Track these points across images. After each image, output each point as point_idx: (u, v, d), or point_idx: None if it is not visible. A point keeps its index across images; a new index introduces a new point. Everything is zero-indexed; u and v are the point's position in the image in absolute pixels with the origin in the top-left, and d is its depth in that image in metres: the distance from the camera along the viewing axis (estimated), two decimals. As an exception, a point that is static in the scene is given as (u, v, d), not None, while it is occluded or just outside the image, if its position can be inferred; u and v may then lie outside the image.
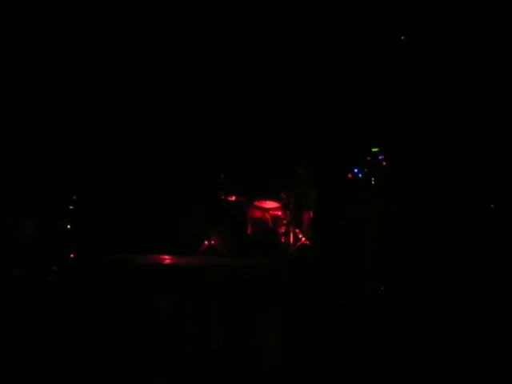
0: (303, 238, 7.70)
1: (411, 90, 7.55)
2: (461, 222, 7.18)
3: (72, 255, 7.12)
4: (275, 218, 7.89)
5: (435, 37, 7.41)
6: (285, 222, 7.82)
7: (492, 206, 7.25)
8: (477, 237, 6.89)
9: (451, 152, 7.59)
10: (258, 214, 7.91)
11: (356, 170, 7.83)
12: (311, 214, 7.87)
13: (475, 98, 7.42)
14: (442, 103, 7.48)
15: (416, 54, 7.56)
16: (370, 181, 7.49)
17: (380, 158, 7.63)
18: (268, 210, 7.93)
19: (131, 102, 7.93)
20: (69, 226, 7.37)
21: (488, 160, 7.44)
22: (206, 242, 7.74)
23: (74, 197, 7.43)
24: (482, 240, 6.80)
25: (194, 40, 7.78)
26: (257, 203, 7.99)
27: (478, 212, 7.26)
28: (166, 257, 7.31)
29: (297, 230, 7.74)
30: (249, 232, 7.73)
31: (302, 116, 8.18)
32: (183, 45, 7.81)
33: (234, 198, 7.98)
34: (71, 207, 7.45)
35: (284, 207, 7.90)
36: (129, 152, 8.02)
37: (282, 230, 7.81)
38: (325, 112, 8.14)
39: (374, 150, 7.68)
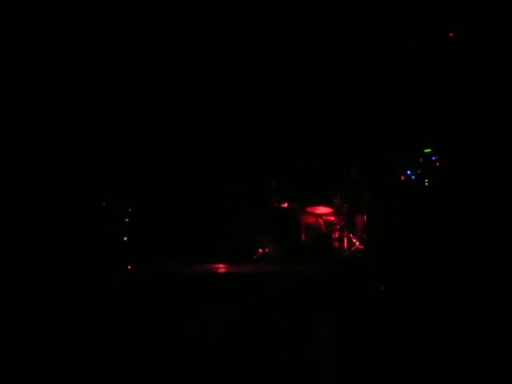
0: (357, 243, 7.64)
1: (460, 89, 7.40)
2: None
3: (129, 267, 7.28)
4: (328, 224, 7.84)
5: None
6: (338, 227, 7.76)
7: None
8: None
9: (503, 151, 7.39)
10: (310, 219, 7.88)
11: (409, 172, 7.72)
12: (365, 217, 7.78)
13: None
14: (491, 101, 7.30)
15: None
16: (424, 182, 7.39)
17: (433, 158, 7.51)
18: (321, 215, 7.89)
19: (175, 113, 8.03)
20: (125, 238, 7.54)
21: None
22: (260, 250, 7.76)
23: (130, 209, 7.60)
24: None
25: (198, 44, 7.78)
26: (309, 209, 7.97)
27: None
28: (221, 265, 7.37)
29: (350, 235, 7.68)
30: (302, 238, 7.70)
31: (351, 118, 8.12)
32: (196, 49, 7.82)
33: (286, 205, 7.99)
34: (127, 220, 7.60)
35: (337, 212, 7.86)
36: (180, 161, 8.11)
37: (336, 235, 7.75)
38: (375, 113, 8.05)
39: (426, 150, 7.56)
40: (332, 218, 7.87)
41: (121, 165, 7.70)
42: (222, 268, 7.37)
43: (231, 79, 7.99)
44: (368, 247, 7.63)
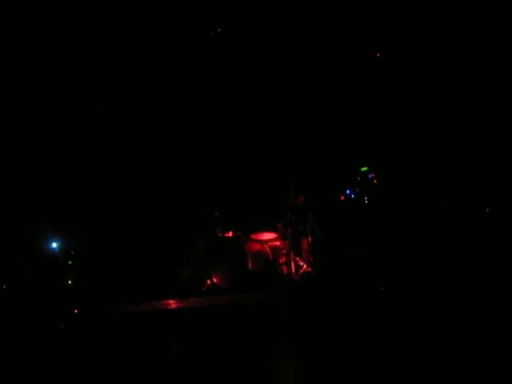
0: (305, 266, 7.69)
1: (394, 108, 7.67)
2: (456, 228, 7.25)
3: (75, 311, 7.06)
4: (274, 249, 7.87)
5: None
6: (284, 251, 7.80)
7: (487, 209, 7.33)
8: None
9: (437, 160, 7.68)
10: (256, 246, 7.88)
11: (348, 191, 7.88)
12: (309, 239, 7.86)
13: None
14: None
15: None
16: (363, 200, 7.56)
17: (370, 176, 7.70)
18: (266, 241, 7.92)
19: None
20: (70, 282, 7.33)
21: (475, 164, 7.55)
22: (209, 281, 7.69)
23: (72, 252, 7.39)
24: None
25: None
26: (254, 236, 7.98)
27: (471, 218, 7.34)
28: (171, 301, 7.25)
29: (297, 259, 7.73)
30: (249, 266, 7.67)
31: (289, 141, 8.24)
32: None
33: (231, 234, 7.97)
34: (70, 262, 7.40)
35: (282, 237, 7.90)
36: (122, 199, 8.00)
37: (283, 259, 7.78)
38: (311, 136, 8.20)
39: (363, 169, 7.76)
40: (277, 243, 7.90)
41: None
42: (172, 304, 7.25)
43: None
44: (315, 269, 7.69)
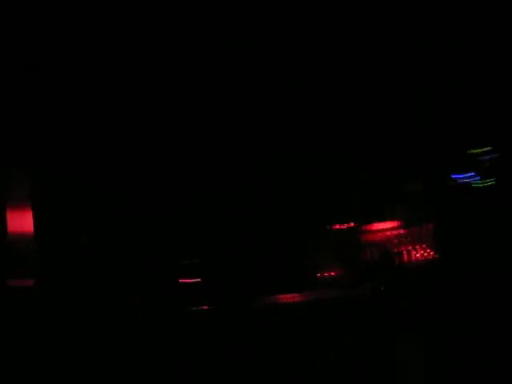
0: (425, 253, 7.37)
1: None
2: None
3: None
4: (393, 238, 7.62)
5: None
6: (404, 240, 7.53)
7: None
8: None
9: None
10: (374, 236, 7.67)
11: (469, 174, 7.47)
12: (431, 226, 7.53)
13: None
14: None
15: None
16: (482, 184, 7.11)
17: (487, 158, 7.24)
18: (381, 230, 7.68)
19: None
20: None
21: None
22: (326, 274, 7.60)
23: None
24: None
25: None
26: (371, 226, 7.77)
27: None
28: (289, 295, 7.26)
29: (417, 247, 7.43)
30: (366, 258, 7.49)
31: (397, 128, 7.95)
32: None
33: (346, 225, 7.81)
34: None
35: (401, 225, 7.63)
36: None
37: (402, 248, 7.52)
38: (429, 116, 7.84)
39: (481, 150, 7.31)
40: (396, 232, 7.64)
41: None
42: (289, 297, 7.26)
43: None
44: (439, 256, 7.36)
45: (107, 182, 7.30)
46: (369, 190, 7.82)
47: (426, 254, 7.39)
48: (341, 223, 7.79)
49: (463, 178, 7.30)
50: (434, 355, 5.43)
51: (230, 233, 7.64)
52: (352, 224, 7.71)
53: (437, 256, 7.35)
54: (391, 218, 7.72)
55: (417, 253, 7.44)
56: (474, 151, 7.15)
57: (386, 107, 7.76)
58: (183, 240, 7.45)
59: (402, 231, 7.59)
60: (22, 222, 6.62)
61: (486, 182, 7.12)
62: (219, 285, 7.27)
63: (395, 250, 7.58)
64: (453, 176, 7.37)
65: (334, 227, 7.84)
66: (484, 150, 7.23)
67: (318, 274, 7.48)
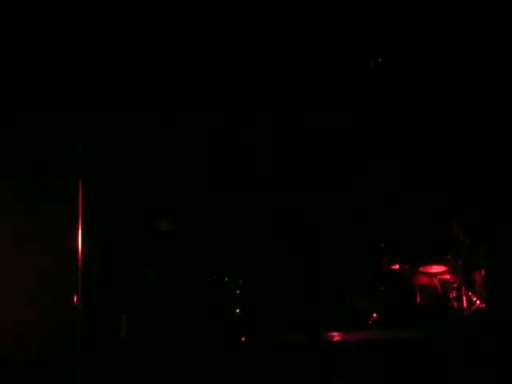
0: (478, 301, 7.25)
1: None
2: None
3: (243, 339, 7.26)
4: (444, 283, 7.53)
5: None
6: (455, 285, 7.42)
7: None
8: None
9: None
10: (424, 279, 7.60)
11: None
12: (483, 272, 7.40)
13: None
14: None
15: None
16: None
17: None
18: (435, 274, 7.60)
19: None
20: (238, 310, 7.55)
21: None
22: (375, 315, 7.53)
23: (240, 281, 7.62)
24: None
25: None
26: (422, 269, 7.70)
27: None
28: (335, 334, 7.21)
29: (470, 293, 7.31)
30: (418, 300, 7.42)
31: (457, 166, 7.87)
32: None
33: (397, 266, 7.76)
34: (238, 291, 7.63)
35: (452, 269, 7.54)
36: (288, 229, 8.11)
37: (453, 294, 7.41)
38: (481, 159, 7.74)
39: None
40: (448, 277, 7.55)
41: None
42: (336, 336, 7.21)
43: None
44: (490, 306, 7.22)
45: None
46: (424, 232, 7.80)
47: (476, 302, 7.26)
48: (393, 264, 7.78)
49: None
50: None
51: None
52: (405, 265, 7.69)
53: (484, 306, 7.22)
54: (443, 263, 7.66)
55: (468, 300, 7.31)
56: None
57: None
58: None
59: (453, 276, 7.51)
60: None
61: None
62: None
63: (446, 295, 7.50)
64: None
65: (384, 267, 7.82)
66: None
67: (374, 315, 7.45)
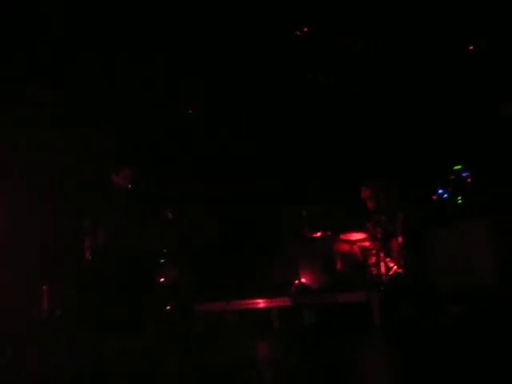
0: (395, 267, 7.52)
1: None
2: None
3: (168, 307, 7.29)
4: (364, 250, 7.76)
5: None
6: (374, 252, 7.66)
7: None
8: None
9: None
10: (345, 247, 7.80)
11: (440, 191, 7.63)
12: (400, 240, 7.67)
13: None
14: None
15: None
16: (456, 201, 7.29)
17: (464, 175, 7.41)
18: (355, 241, 7.82)
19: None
20: (162, 280, 7.56)
21: None
22: (297, 281, 7.70)
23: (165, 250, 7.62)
24: None
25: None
26: (343, 236, 7.90)
27: None
28: (260, 300, 7.36)
29: (388, 259, 7.58)
30: (338, 267, 7.62)
31: (379, 138, 8.08)
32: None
33: (319, 234, 7.93)
34: (162, 261, 7.63)
35: (371, 237, 7.77)
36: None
37: (372, 260, 7.66)
38: (402, 133, 7.99)
39: (456, 168, 7.48)
40: (367, 244, 7.78)
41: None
42: (261, 303, 7.36)
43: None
44: (406, 270, 7.50)
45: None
46: (344, 201, 7.99)
47: (393, 268, 7.53)
48: (315, 231, 7.93)
49: (440, 194, 7.46)
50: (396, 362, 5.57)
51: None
52: (326, 233, 7.86)
53: (401, 271, 7.48)
54: (363, 230, 7.87)
55: (385, 266, 7.56)
56: (456, 168, 7.32)
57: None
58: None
59: (372, 244, 7.73)
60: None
61: (460, 200, 7.29)
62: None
63: (365, 261, 7.73)
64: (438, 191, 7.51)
65: (306, 234, 7.97)
66: (458, 168, 7.41)
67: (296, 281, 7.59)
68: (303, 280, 7.61)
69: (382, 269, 7.53)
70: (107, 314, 6.62)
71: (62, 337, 6.23)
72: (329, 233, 7.85)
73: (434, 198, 7.61)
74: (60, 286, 6.92)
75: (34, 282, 6.55)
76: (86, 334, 6.43)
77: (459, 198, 7.40)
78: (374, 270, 7.63)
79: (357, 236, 7.84)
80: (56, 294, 6.89)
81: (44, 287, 6.43)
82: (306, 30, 7.60)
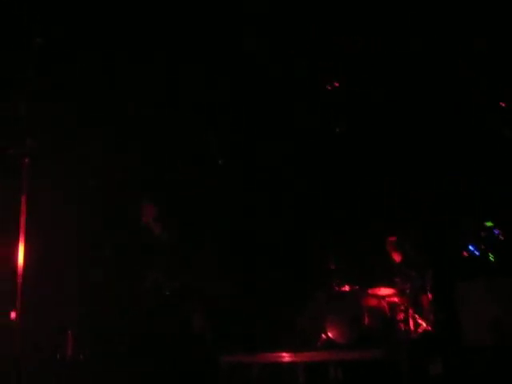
0: (424, 324, 7.36)
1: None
2: None
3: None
4: (392, 305, 7.62)
5: None
6: (402, 307, 7.52)
7: None
8: None
9: None
10: (373, 302, 7.68)
11: (471, 247, 7.51)
12: (430, 296, 7.53)
13: None
14: None
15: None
16: (488, 258, 7.15)
17: (496, 232, 7.29)
18: (383, 297, 7.69)
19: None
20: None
21: None
22: (324, 336, 7.58)
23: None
24: None
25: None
26: (371, 291, 7.78)
27: None
28: (285, 354, 7.24)
29: (416, 316, 7.42)
30: (366, 322, 7.48)
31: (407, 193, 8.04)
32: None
33: (347, 288, 7.84)
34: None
35: (400, 293, 7.64)
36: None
37: (401, 316, 7.51)
38: (431, 187, 7.94)
39: (488, 224, 7.37)
40: (396, 299, 7.65)
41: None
42: (286, 357, 7.23)
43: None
44: (436, 328, 7.34)
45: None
46: (373, 255, 7.91)
47: (422, 325, 7.36)
48: (342, 285, 7.84)
49: (471, 251, 7.32)
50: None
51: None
52: (354, 287, 7.76)
53: (430, 329, 7.31)
54: (392, 285, 7.74)
55: (414, 322, 7.40)
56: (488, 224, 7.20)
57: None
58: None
59: (401, 299, 7.59)
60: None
61: (492, 257, 7.15)
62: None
63: (394, 317, 7.58)
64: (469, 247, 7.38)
65: (333, 288, 7.89)
66: (489, 224, 7.30)
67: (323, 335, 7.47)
68: (329, 334, 7.50)
69: (411, 325, 7.39)
70: (133, 366, 6.62)
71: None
72: (357, 287, 7.77)
73: (465, 254, 7.48)
74: (86, 331, 6.96)
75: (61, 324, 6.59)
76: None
77: (490, 255, 7.26)
78: (402, 327, 7.47)
79: (385, 291, 7.70)
80: (82, 339, 6.92)
81: (69, 331, 6.46)
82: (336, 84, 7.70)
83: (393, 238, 7.65)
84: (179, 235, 7.46)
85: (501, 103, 7.33)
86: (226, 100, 7.70)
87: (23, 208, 4.04)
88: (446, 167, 7.67)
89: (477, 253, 7.41)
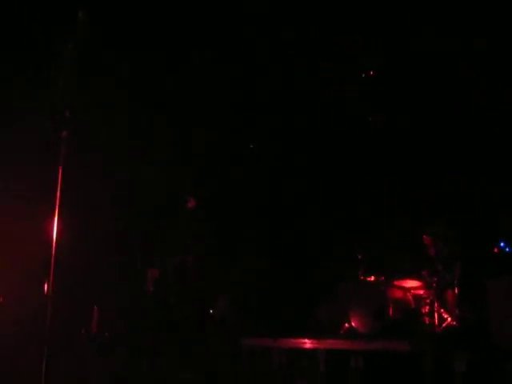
0: (449, 319, 7.28)
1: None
2: None
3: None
4: (417, 298, 7.55)
5: None
6: (428, 301, 7.45)
7: None
8: None
9: None
10: (398, 293, 7.62)
11: (503, 244, 7.41)
12: (456, 291, 7.43)
13: None
14: None
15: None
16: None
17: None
18: (409, 289, 7.63)
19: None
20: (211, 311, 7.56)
21: None
22: (347, 324, 7.56)
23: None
24: None
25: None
26: (397, 283, 7.72)
27: None
28: (307, 340, 7.23)
29: (442, 310, 7.35)
30: (390, 313, 7.43)
31: (440, 188, 7.95)
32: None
33: (372, 278, 7.79)
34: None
35: (426, 285, 7.56)
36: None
37: (426, 310, 7.44)
38: (464, 183, 7.84)
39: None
40: (421, 292, 7.58)
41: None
42: (307, 343, 7.22)
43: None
44: (461, 324, 7.25)
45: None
46: (401, 247, 7.84)
47: (447, 319, 7.28)
48: (368, 275, 7.80)
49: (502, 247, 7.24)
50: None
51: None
52: (380, 278, 7.71)
53: (454, 323, 7.23)
54: (418, 278, 7.66)
55: (438, 316, 7.33)
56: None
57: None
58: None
59: (427, 292, 7.52)
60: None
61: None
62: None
63: (418, 310, 7.52)
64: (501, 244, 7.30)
65: (359, 278, 7.84)
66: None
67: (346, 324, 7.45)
68: (353, 323, 7.47)
69: (436, 319, 7.32)
70: (158, 341, 6.66)
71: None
72: (382, 278, 7.71)
73: (495, 250, 7.37)
74: (112, 310, 7.00)
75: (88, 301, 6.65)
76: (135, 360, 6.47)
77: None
78: (426, 320, 7.41)
79: (411, 283, 7.64)
80: (107, 318, 6.96)
81: (95, 308, 6.52)
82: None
83: (428, 233, 7.57)
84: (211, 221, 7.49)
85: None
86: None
87: (59, 181, 4.05)
88: (481, 164, 7.57)
89: (508, 249, 7.29)
